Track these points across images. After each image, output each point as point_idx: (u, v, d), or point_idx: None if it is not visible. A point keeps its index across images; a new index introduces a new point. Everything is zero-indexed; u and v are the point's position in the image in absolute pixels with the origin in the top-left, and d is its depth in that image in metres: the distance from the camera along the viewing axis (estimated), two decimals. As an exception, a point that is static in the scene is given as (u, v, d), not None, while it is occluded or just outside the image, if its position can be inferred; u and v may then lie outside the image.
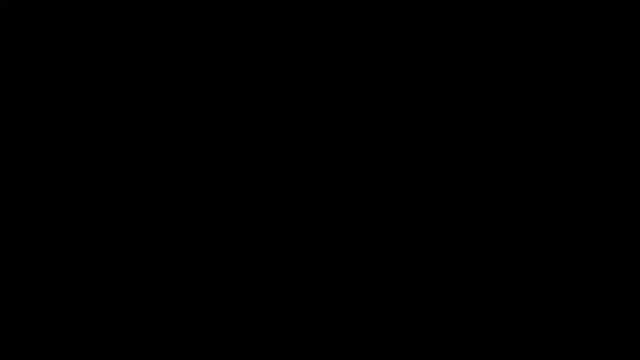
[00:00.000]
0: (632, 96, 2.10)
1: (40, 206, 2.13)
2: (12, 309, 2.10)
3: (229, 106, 2.15)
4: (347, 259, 2.11)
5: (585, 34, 2.12)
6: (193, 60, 2.16)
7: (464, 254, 2.10)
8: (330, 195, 2.12)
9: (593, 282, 2.07)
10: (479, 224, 2.10)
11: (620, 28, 2.11)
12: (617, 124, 2.10)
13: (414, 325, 2.08)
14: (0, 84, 2.15)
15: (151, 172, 2.14)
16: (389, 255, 2.11)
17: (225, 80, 2.15)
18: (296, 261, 2.11)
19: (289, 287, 2.11)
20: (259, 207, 2.13)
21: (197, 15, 2.16)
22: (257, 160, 2.13)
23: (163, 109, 2.15)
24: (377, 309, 2.09)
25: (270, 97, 2.15)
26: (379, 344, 2.08)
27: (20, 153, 2.14)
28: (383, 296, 2.10)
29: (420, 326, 2.08)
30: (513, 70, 2.12)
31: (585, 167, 2.10)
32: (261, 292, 2.11)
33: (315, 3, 2.14)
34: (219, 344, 2.09)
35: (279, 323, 2.10)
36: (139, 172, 2.13)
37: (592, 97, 2.11)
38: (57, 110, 2.15)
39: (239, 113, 2.15)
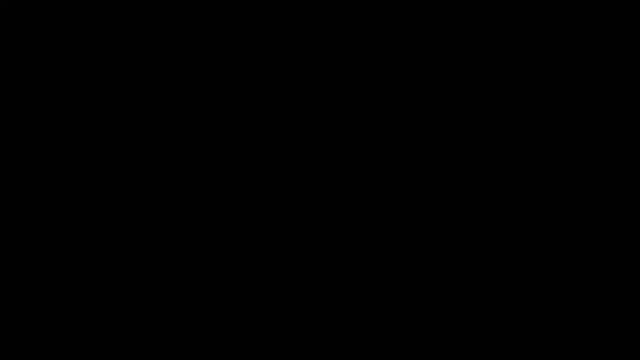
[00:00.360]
0: (632, 96, 2.10)
1: (40, 206, 2.13)
2: (12, 309, 2.11)
3: (228, 106, 2.15)
4: (347, 259, 2.11)
5: (585, 34, 2.12)
6: (193, 60, 2.16)
7: (463, 254, 2.10)
8: (329, 195, 2.12)
9: (593, 282, 2.08)
10: (478, 224, 2.10)
11: (620, 28, 2.11)
12: (617, 124, 2.10)
13: (414, 325, 2.09)
14: (0, 84, 2.15)
15: (151, 172, 2.14)
16: (388, 255, 2.11)
17: (225, 81, 2.15)
18: (296, 261, 2.12)
19: (289, 287, 2.11)
20: (258, 206, 2.13)
21: (197, 15, 2.16)
22: (257, 160, 2.14)
23: (163, 108, 2.15)
24: (377, 309, 2.09)
25: (270, 97, 2.15)
26: (379, 344, 2.09)
27: (21, 153, 2.14)
28: (383, 296, 2.10)
29: (420, 326, 2.08)
30: (513, 70, 2.12)
31: (585, 167, 2.10)
32: (261, 292, 2.11)
33: (316, 3, 2.15)
34: (219, 344, 2.10)
35: (279, 323, 2.10)
36: (138, 171, 2.14)
37: (592, 97, 2.11)
38: (57, 110, 2.15)
39: (239, 113, 2.15)
